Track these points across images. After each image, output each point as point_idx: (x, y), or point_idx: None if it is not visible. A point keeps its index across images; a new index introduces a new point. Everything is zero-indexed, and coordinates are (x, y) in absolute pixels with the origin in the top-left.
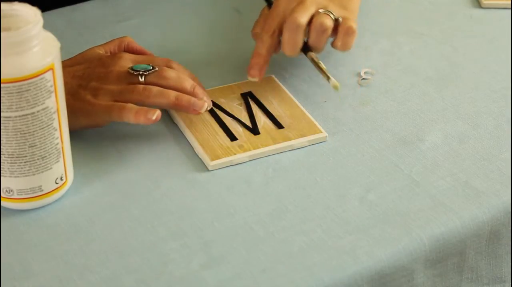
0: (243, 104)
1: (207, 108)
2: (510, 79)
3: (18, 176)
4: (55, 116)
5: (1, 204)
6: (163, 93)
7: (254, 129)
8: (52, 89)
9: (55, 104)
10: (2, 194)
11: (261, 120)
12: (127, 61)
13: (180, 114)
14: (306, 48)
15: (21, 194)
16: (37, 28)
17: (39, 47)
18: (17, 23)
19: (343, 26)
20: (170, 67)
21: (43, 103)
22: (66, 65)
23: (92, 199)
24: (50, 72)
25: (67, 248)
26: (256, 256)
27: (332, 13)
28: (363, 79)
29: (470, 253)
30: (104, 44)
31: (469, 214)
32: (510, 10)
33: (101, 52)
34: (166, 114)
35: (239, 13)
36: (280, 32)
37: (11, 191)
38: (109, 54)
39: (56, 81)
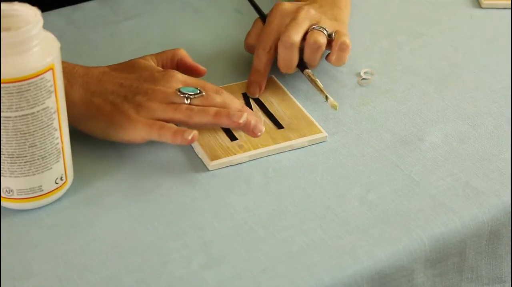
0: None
1: (256, 131)
2: (510, 79)
3: (18, 176)
4: (55, 116)
5: (1, 204)
6: (203, 111)
7: None
8: (52, 89)
9: (55, 104)
10: (2, 194)
11: (261, 120)
12: (177, 82)
13: None
14: (302, 65)
15: (21, 194)
16: (37, 28)
17: (39, 47)
18: (17, 23)
19: (337, 42)
20: (220, 93)
21: (43, 103)
22: (115, 69)
23: (92, 199)
24: (50, 72)
25: (67, 248)
26: (256, 256)
27: (325, 29)
28: (363, 79)
29: (470, 253)
30: (157, 54)
31: (469, 214)
32: (510, 10)
33: (153, 63)
34: None
35: (240, 13)
36: (276, 48)
37: (11, 191)
38: (160, 67)
39: (56, 81)
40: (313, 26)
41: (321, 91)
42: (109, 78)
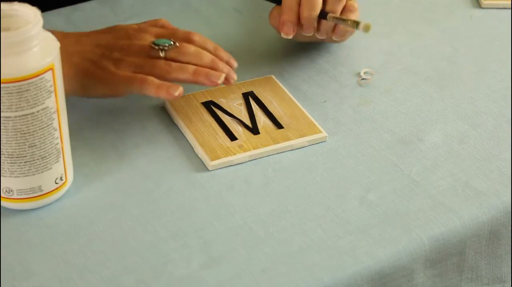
0: (243, 104)
1: (229, 79)
2: (510, 79)
3: (18, 176)
4: (55, 116)
5: (1, 204)
6: (182, 68)
7: (254, 129)
8: (52, 89)
9: (55, 104)
10: (2, 194)
11: (261, 120)
12: (151, 35)
13: (180, 114)
14: (323, 15)
15: (21, 194)
16: (37, 28)
17: (39, 47)
18: (17, 23)
19: (347, 4)
20: (191, 39)
21: (43, 103)
22: (92, 32)
23: (92, 199)
24: (50, 72)
25: (67, 248)
26: (256, 256)
27: None
28: (363, 79)
29: (470, 253)
30: (138, 23)
31: (469, 214)
32: (510, 10)
33: (132, 26)
34: (166, 114)
35: (239, 13)
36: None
37: (11, 191)
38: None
39: (56, 81)
40: None
41: (352, 21)
42: (86, 39)
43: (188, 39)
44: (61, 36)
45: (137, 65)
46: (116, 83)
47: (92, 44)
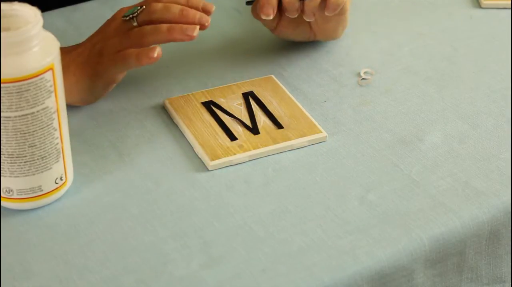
0: (243, 104)
1: (204, 25)
2: (510, 79)
3: (18, 176)
4: (55, 116)
5: (1, 204)
6: (155, 29)
7: (254, 129)
8: (52, 89)
9: (55, 104)
10: (2, 194)
11: (261, 120)
12: (121, 12)
13: (180, 113)
14: None
15: (21, 194)
16: (37, 28)
17: (39, 47)
18: (17, 23)
19: None
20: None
21: (43, 103)
22: (87, 39)
23: (92, 199)
24: (50, 72)
25: (67, 248)
26: (256, 256)
27: None
28: (363, 79)
29: (470, 253)
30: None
31: (469, 214)
32: (510, 10)
33: None
34: (166, 114)
35: (239, 13)
36: None
37: (11, 191)
38: None
39: (56, 81)
40: None
41: None
42: (76, 47)
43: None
44: (64, 53)
45: (116, 43)
46: (105, 70)
47: (81, 48)
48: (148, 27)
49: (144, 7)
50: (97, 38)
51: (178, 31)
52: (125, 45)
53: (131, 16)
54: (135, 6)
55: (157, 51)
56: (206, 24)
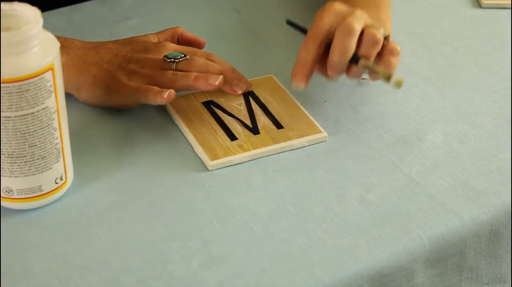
0: (243, 104)
1: (241, 89)
2: (510, 79)
3: (18, 176)
4: (55, 116)
5: (1, 204)
6: (185, 75)
7: (254, 129)
8: (52, 89)
9: (55, 104)
10: (2, 194)
11: (261, 120)
12: (168, 51)
13: (180, 113)
14: (354, 59)
15: (21, 194)
16: (37, 28)
17: (39, 47)
18: (17, 23)
19: (388, 46)
20: (209, 59)
21: (43, 103)
22: (112, 42)
23: (92, 199)
24: (50, 72)
25: (67, 248)
26: (256, 256)
27: (381, 29)
28: (363, 79)
29: (470, 253)
30: (158, 32)
31: (469, 214)
32: (510, 10)
33: (150, 38)
34: (166, 114)
35: (239, 13)
36: (325, 44)
37: (11, 191)
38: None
39: (56, 81)
40: (369, 25)
41: (385, 74)
42: (105, 49)
43: (207, 58)
44: (80, 45)
45: (148, 76)
46: (126, 94)
47: (111, 54)
48: (180, 74)
49: (187, 57)
50: (130, 54)
51: (203, 79)
52: (155, 82)
53: (172, 60)
54: (178, 51)
55: (168, 93)
56: (216, 83)
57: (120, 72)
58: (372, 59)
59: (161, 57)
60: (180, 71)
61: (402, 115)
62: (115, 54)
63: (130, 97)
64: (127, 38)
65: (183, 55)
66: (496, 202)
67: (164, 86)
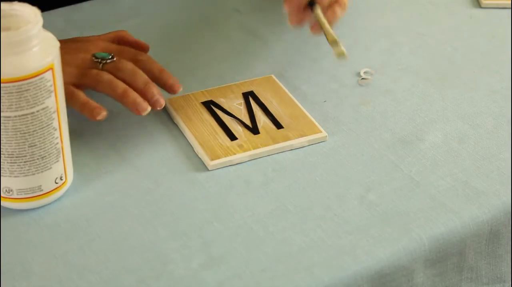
0: (243, 104)
1: (157, 107)
2: (510, 79)
3: (18, 176)
4: (54, 116)
5: (1, 204)
6: (112, 84)
7: (254, 129)
8: (52, 89)
9: (55, 104)
10: (2, 194)
11: (261, 120)
12: (97, 49)
13: (180, 113)
14: (311, 2)
15: (21, 194)
16: (37, 28)
17: (39, 47)
18: (17, 23)
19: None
20: (136, 59)
21: (43, 103)
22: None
23: (92, 199)
24: (49, 72)
25: (67, 248)
26: (256, 256)
27: None
28: (363, 79)
29: (470, 253)
30: (100, 35)
31: (469, 214)
32: (510, 10)
33: (90, 39)
34: (166, 114)
35: (239, 13)
36: None
37: (11, 191)
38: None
39: (56, 81)
40: None
41: (332, 39)
42: (70, 45)
43: (134, 58)
44: None
45: (73, 75)
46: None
47: (66, 47)
48: (106, 77)
49: (114, 59)
50: (61, 53)
51: (131, 102)
52: (80, 82)
53: (100, 60)
54: (109, 52)
55: (102, 115)
56: (159, 108)
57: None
58: (325, 4)
59: (89, 56)
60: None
61: (402, 115)
62: (70, 48)
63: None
64: (70, 38)
65: (110, 57)
66: (496, 202)
67: (87, 86)
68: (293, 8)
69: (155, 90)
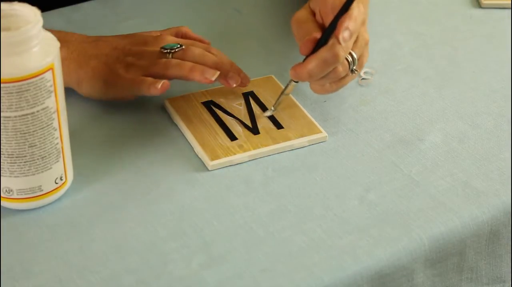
0: (243, 104)
1: (236, 82)
2: (510, 79)
3: (18, 176)
4: (54, 116)
5: (1, 204)
6: (179, 64)
7: (254, 129)
8: (52, 89)
9: (55, 104)
10: (2, 194)
11: (261, 120)
12: (166, 42)
13: (180, 113)
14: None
15: (21, 194)
16: (37, 28)
17: (39, 47)
18: (17, 23)
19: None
20: (208, 51)
21: (43, 103)
22: (111, 37)
23: (92, 199)
24: (50, 72)
25: (67, 248)
26: (256, 256)
27: (353, 55)
28: (363, 79)
29: (470, 253)
30: (162, 30)
31: (469, 214)
32: (510, 10)
33: (152, 33)
34: (166, 114)
35: (239, 13)
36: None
37: (11, 191)
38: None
39: (56, 81)
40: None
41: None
42: (104, 43)
43: (205, 50)
44: (80, 39)
45: (144, 67)
46: (123, 86)
47: (110, 48)
48: (174, 61)
49: (183, 47)
50: (128, 46)
51: (199, 71)
52: (150, 72)
53: (169, 51)
54: (176, 42)
55: (162, 83)
56: (213, 78)
57: (118, 65)
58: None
59: (158, 48)
60: None
61: (402, 115)
62: (114, 47)
63: (127, 89)
64: (128, 33)
65: (179, 46)
66: (496, 202)
67: (157, 75)
68: (302, 38)
69: (226, 67)
